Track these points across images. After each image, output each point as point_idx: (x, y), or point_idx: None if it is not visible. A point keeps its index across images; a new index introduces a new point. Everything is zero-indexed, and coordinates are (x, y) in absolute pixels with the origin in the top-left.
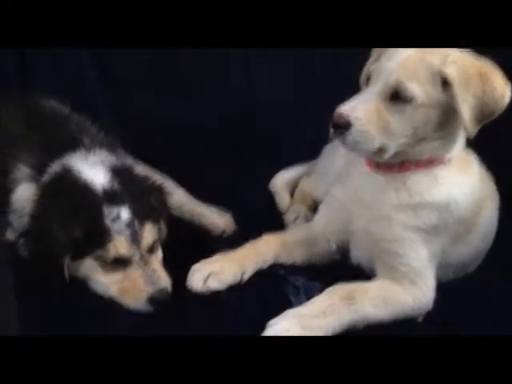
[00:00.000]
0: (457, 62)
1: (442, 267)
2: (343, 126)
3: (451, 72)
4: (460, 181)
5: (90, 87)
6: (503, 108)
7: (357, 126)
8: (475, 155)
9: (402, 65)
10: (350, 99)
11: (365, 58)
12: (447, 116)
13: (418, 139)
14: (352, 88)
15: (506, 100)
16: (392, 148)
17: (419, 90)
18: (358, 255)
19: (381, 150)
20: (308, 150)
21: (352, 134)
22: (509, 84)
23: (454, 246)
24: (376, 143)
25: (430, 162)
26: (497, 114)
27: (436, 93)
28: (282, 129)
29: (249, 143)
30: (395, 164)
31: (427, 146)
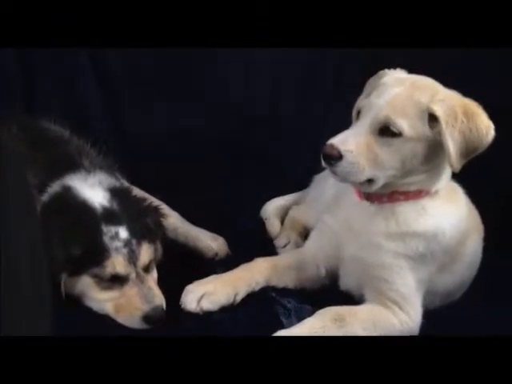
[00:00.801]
0: (444, 100)
1: (428, 295)
2: (334, 158)
3: (438, 109)
4: (447, 212)
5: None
6: (486, 145)
7: (348, 158)
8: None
9: (390, 102)
10: (341, 132)
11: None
12: (434, 150)
13: (406, 171)
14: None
15: (490, 138)
16: (381, 179)
17: (407, 125)
18: (347, 281)
19: (370, 181)
20: (302, 179)
21: (343, 166)
22: (492, 123)
23: (440, 274)
24: (365, 174)
25: (418, 194)
26: (480, 151)
27: (423, 128)
28: (279, 156)
29: (243, 170)
30: (385, 194)
31: (415, 178)
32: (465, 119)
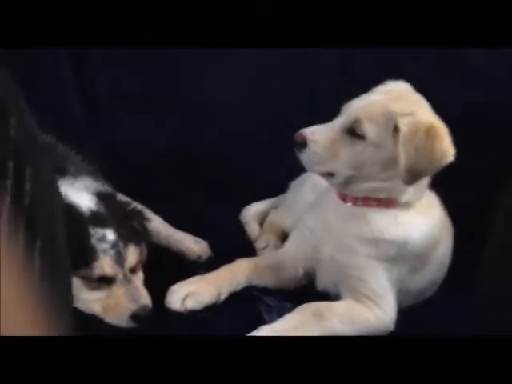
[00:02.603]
0: (413, 115)
1: (401, 294)
2: (300, 145)
3: (402, 121)
4: (418, 222)
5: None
6: (437, 169)
7: (311, 147)
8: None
9: (365, 106)
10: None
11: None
12: (393, 162)
13: (365, 176)
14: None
15: (442, 163)
16: (340, 176)
17: (372, 130)
18: (324, 281)
19: (331, 175)
20: (282, 182)
21: (305, 153)
22: (452, 151)
23: (411, 275)
24: (325, 167)
25: (390, 202)
26: (429, 174)
27: (386, 138)
28: (257, 160)
29: (224, 176)
30: (359, 198)
31: (377, 184)
32: (424, 137)
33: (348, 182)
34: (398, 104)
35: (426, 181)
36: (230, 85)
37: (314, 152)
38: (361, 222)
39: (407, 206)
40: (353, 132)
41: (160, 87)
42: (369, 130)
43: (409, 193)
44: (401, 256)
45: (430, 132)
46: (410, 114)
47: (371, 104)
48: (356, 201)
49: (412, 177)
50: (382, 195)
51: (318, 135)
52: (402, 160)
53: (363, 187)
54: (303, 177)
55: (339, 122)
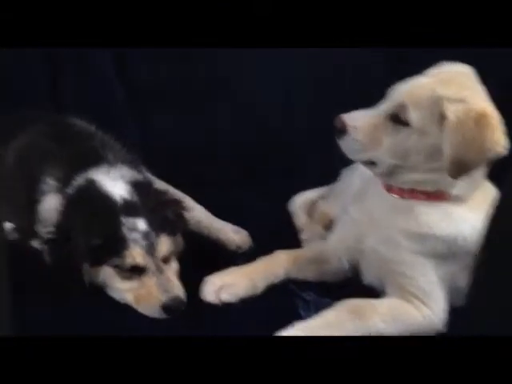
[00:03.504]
0: (463, 101)
1: (452, 292)
2: (340, 131)
3: (450, 108)
4: (471, 218)
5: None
6: (485, 161)
7: (350, 134)
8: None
9: (411, 90)
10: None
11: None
12: (441, 152)
13: (410, 165)
14: None
15: (492, 154)
16: (382, 165)
17: (417, 116)
18: (369, 275)
19: (373, 164)
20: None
21: (345, 140)
22: (504, 142)
23: (463, 274)
24: (366, 155)
25: (440, 196)
26: (476, 167)
27: (432, 125)
28: (309, 148)
29: (268, 167)
30: (405, 190)
31: (425, 176)
32: (473, 126)
33: (392, 171)
34: (447, 88)
35: (479, 174)
36: (275, 79)
37: (353, 139)
38: (407, 215)
39: (459, 200)
40: (396, 118)
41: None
42: (413, 115)
43: (460, 186)
44: (451, 253)
45: (480, 121)
46: (459, 100)
47: (418, 88)
48: (402, 192)
49: (457, 169)
50: (430, 188)
51: (358, 121)
52: (447, 150)
53: (408, 178)
54: (354, 165)
55: (382, 107)
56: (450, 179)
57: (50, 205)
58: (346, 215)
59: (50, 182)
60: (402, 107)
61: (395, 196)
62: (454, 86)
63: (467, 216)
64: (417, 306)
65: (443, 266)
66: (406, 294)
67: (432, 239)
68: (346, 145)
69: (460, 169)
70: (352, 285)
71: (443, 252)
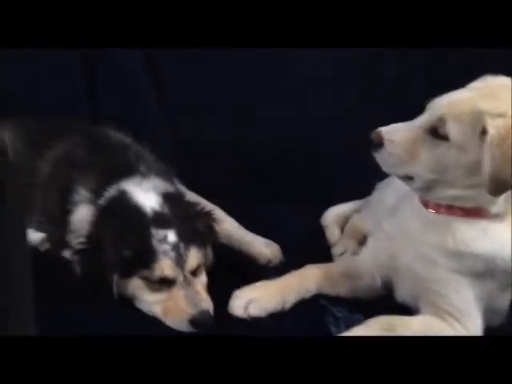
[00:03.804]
0: (506, 116)
1: (489, 311)
2: (376, 145)
3: (491, 123)
4: (510, 236)
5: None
6: None
7: (387, 148)
8: None
9: (451, 103)
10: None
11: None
12: (480, 168)
13: (448, 181)
14: None
15: None
16: (419, 180)
17: (457, 131)
18: (402, 292)
19: (410, 178)
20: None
21: (382, 154)
22: None
23: (501, 293)
24: (403, 169)
25: (478, 212)
26: None
27: (472, 140)
28: (336, 162)
29: (301, 180)
30: (442, 205)
31: (464, 192)
32: None
33: (429, 186)
34: (489, 103)
35: None
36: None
37: (390, 153)
38: (444, 231)
39: (498, 218)
40: (435, 132)
41: (231, 88)
42: (453, 130)
43: (500, 203)
44: (489, 272)
45: None
46: (501, 115)
47: (458, 101)
48: (439, 208)
49: (497, 186)
50: (468, 204)
51: (395, 135)
52: (487, 167)
53: (446, 194)
54: (390, 178)
55: (421, 120)
56: (488, 196)
57: (82, 215)
58: (379, 230)
59: (82, 193)
60: (442, 121)
61: (432, 211)
62: (495, 100)
63: (506, 234)
64: (451, 324)
65: (480, 285)
66: (440, 311)
67: (469, 257)
68: (382, 159)
69: (499, 186)
70: (385, 302)
71: (481, 270)
